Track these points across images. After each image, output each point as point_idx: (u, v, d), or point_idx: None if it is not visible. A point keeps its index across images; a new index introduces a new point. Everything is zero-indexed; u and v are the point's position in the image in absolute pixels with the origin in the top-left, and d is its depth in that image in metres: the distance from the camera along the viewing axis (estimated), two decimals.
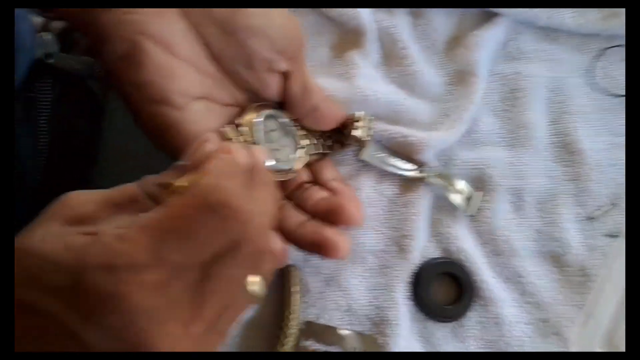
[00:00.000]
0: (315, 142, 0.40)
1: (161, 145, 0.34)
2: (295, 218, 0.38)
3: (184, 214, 0.25)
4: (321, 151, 0.41)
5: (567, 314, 0.41)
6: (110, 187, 0.43)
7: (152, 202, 0.27)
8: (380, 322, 0.40)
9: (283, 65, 0.35)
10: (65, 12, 0.33)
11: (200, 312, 0.25)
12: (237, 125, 0.36)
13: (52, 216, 0.27)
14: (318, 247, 0.36)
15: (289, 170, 0.38)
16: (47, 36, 0.47)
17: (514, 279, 0.41)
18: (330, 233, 0.36)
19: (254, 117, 0.36)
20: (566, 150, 0.43)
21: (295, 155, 0.38)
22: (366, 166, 0.43)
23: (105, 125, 0.48)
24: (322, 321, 0.41)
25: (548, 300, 0.41)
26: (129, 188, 0.28)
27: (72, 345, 0.24)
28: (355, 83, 0.42)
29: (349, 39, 0.45)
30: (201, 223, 0.25)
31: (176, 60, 0.32)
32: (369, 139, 0.40)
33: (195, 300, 0.25)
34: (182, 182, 0.27)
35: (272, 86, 0.36)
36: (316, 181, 0.40)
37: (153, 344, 0.23)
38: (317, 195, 0.38)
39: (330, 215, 0.37)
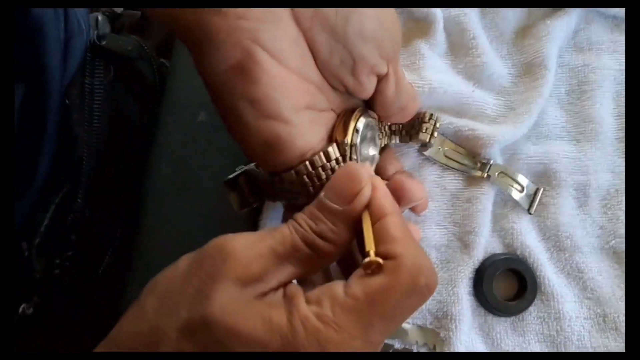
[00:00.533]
0: (383, 133, 0.39)
1: (262, 158, 0.33)
2: None
3: (393, 297, 0.26)
4: (387, 142, 0.40)
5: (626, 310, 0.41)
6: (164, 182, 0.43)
7: (310, 250, 0.28)
8: (443, 317, 0.41)
9: (385, 69, 0.34)
10: (163, 13, 0.30)
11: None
12: (338, 143, 0.34)
13: (223, 275, 0.26)
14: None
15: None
16: (99, 17, 0.45)
17: (576, 275, 0.42)
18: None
19: (353, 131, 0.34)
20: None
21: (377, 151, 0.38)
22: (429, 160, 0.42)
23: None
24: None
25: (608, 296, 0.41)
26: (287, 236, 0.28)
27: None
28: (423, 74, 0.41)
29: (416, 27, 0.43)
30: (409, 304, 0.26)
31: (287, 72, 0.30)
32: (435, 137, 0.40)
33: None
34: (375, 259, 0.27)
35: (369, 88, 0.34)
36: (379, 172, 0.40)
37: None
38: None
39: (394, 194, 0.34)
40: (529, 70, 0.43)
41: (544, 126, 0.43)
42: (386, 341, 0.41)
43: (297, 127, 0.31)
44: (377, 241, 0.28)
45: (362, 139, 0.35)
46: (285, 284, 0.28)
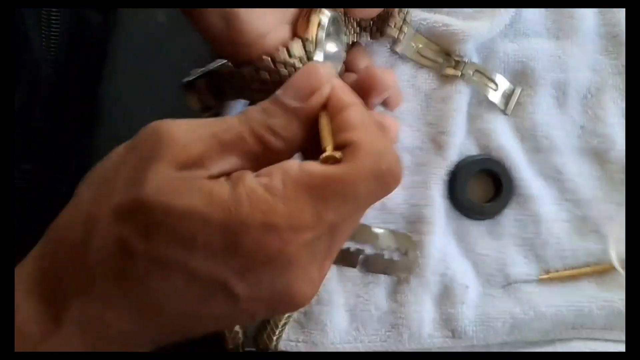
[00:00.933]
0: (352, 30, 0.37)
1: (221, 40, 0.32)
2: None
3: (351, 180, 0.24)
4: (356, 40, 0.38)
5: (607, 212, 0.40)
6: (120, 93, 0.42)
7: (259, 143, 0.26)
8: (416, 220, 0.39)
9: None
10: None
11: (332, 254, 0.26)
12: (301, 38, 0.32)
13: (159, 157, 0.24)
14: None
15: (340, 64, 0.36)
16: None
17: (554, 176, 0.40)
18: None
19: (317, 27, 0.33)
20: (614, 42, 0.41)
21: (341, 49, 0.36)
22: (401, 59, 0.40)
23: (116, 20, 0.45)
24: None
25: (588, 197, 0.40)
26: (234, 125, 0.26)
27: (222, 297, 0.24)
28: None
29: None
30: (367, 189, 0.25)
31: None
32: (404, 33, 0.38)
33: (331, 247, 0.25)
34: (332, 153, 0.25)
35: None
36: (349, 69, 0.38)
37: (299, 290, 0.25)
38: (351, 78, 0.36)
39: (364, 84, 0.33)
40: None
41: (522, 23, 0.41)
42: (357, 246, 0.39)
43: (256, 10, 0.30)
44: (335, 134, 0.26)
45: (327, 35, 0.33)
46: (227, 174, 0.26)
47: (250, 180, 0.24)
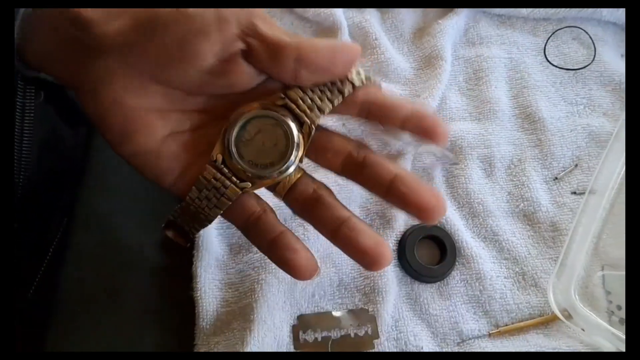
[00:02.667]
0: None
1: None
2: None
3: None
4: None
5: (542, 267, 0.44)
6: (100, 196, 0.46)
7: None
8: (371, 292, 0.43)
9: (239, 44, 0.31)
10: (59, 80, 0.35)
11: None
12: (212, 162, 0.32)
13: None
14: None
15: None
16: None
17: (491, 238, 0.45)
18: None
19: (222, 145, 0.31)
20: (528, 120, 0.48)
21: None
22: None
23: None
24: (316, 298, 0.43)
25: (523, 255, 0.44)
26: None
27: None
28: None
29: (325, 36, 0.49)
30: None
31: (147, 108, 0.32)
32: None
33: None
34: None
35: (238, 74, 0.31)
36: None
37: None
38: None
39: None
40: (428, 62, 0.48)
41: (447, 110, 0.48)
42: (323, 334, 0.42)
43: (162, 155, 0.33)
44: None
45: (245, 145, 0.32)
46: None
47: None
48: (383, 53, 0.48)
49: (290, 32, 0.31)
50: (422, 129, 0.31)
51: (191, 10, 0.31)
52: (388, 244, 0.36)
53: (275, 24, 0.32)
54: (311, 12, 0.49)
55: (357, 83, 0.31)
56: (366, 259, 0.32)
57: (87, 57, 0.33)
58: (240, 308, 0.41)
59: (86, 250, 0.46)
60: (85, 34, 0.32)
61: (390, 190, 0.32)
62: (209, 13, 0.31)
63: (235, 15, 0.32)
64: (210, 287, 0.41)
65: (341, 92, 0.31)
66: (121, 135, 0.32)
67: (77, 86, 0.33)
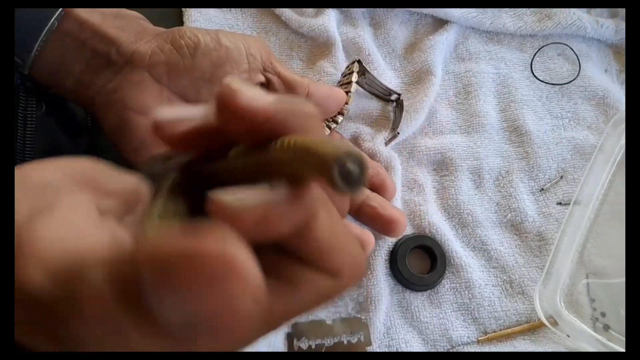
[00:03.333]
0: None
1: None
2: None
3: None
4: None
5: (529, 275, 0.45)
6: None
7: None
8: (364, 301, 0.44)
9: (260, 77, 0.40)
10: (65, 92, 0.39)
11: None
12: None
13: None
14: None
15: None
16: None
17: (480, 247, 0.46)
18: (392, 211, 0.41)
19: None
20: (516, 133, 0.49)
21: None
22: None
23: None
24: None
25: (511, 264, 0.46)
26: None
27: None
28: None
29: (319, 51, 0.51)
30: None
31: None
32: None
33: None
34: None
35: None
36: None
37: None
38: None
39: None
40: (418, 78, 0.50)
41: (437, 124, 0.49)
42: (316, 342, 0.44)
43: None
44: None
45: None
46: None
47: None
48: (376, 69, 0.49)
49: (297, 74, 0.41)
50: None
51: (226, 41, 0.37)
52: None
53: (287, 68, 0.41)
54: (306, 27, 0.50)
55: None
56: (392, 226, 0.41)
57: (115, 71, 0.37)
58: None
59: None
60: (114, 50, 0.36)
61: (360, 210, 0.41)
62: (241, 46, 0.38)
63: (259, 53, 0.39)
64: None
65: (335, 122, 0.44)
66: (142, 142, 0.36)
67: (94, 97, 0.37)
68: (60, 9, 0.37)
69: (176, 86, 0.37)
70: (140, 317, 0.16)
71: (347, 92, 0.45)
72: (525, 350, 0.43)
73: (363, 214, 0.41)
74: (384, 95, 0.49)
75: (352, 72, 0.46)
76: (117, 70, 0.37)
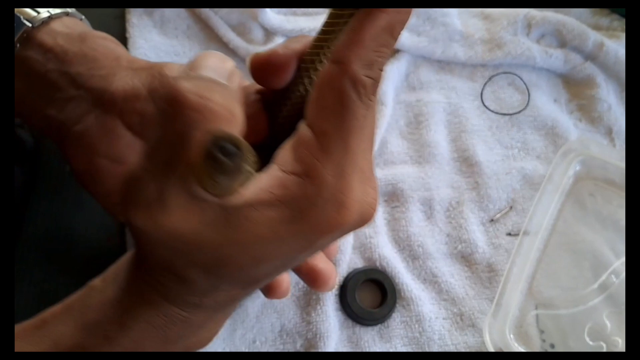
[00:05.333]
0: None
1: None
2: None
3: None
4: None
5: (479, 307, 0.45)
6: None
7: None
8: (313, 337, 0.43)
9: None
10: (37, 129, 0.36)
11: None
12: None
13: None
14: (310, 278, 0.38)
15: None
16: None
17: (431, 279, 0.46)
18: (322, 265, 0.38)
19: None
20: (466, 163, 0.49)
21: None
22: None
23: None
24: (257, 344, 0.43)
25: (462, 295, 0.46)
26: None
27: None
28: None
29: None
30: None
31: (126, 166, 0.33)
32: None
33: None
34: None
35: None
36: None
37: None
38: None
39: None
40: None
41: (388, 154, 0.49)
42: None
43: None
44: None
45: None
46: None
47: None
48: None
49: None
50: None
51: (213, 95, 0.30)
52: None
53: None
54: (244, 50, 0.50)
55: None
56: (319, 281, 0.37)
57: (85, 110, 0.34)
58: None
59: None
60: (82, 88, 0.33)
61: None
62: (227, 96, 0.31)
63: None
64: None
65: None
66: (113, 189, 0.32)
67: (63, 139, 0.34)
68: (23, 30, 0.34)
69: (149, 139, 0.33)
70: None
71: None
72: None
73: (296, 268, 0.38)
74: None
75: None
76: (87, 109, 0.34)
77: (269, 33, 0.51)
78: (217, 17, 0.51)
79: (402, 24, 0.25)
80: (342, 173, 0.25)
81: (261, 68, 0.31)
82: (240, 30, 0.51)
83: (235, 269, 0.27)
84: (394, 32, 0.25)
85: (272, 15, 0.51)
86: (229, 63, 0.31)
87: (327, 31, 0.27)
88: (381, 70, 0.26)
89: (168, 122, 0.31)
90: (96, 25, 0.38)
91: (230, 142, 0.24)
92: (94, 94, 0.33)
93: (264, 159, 0.27)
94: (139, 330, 0.29)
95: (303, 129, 0.26)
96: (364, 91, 0.25)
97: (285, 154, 0.27)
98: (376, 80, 0.25)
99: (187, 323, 0.29)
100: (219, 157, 0.24)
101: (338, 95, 0.25)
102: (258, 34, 0.51)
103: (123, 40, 0.48)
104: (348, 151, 0.25)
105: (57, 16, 0.35)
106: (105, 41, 0.36)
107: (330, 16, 0.27)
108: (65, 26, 0.35)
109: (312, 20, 0.52)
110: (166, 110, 0.32)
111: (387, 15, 0.25)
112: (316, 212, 0.25)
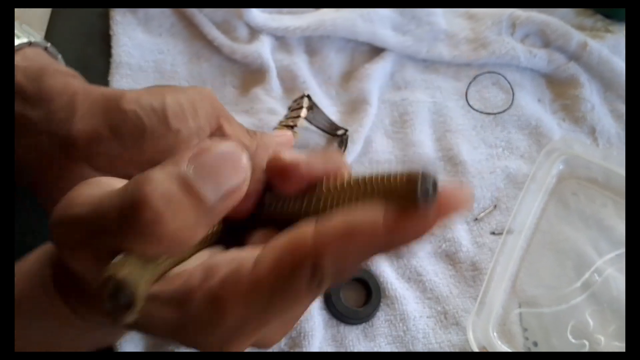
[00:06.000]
0: None
1: None
2: None
3: None
4: None
5: (463, 305, 0.45)
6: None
7: None
8: (297, 336, 0.43)
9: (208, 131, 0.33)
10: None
11: None
12: None
13: None
14: None
15: None
16: None
17: (415, 278, 0.46)
18: None
19: None
20: (451, 162, 0.50)
21: None
22: None
23: None
24: None
25: (446, 294, 0.46)
26: None
27: None
28: (261, 116, 0.47)
29: (252, 78, 0.50)
30: None
31: None
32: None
33: None
34: None
35: None
36: None
37: None
38: None
39: None
40: (354, 107, 0.50)
41: (373, 153, 0.49)
42: None
43: None
44: None
45: None
46: None
47: None
48: (312, 96, 0.49)
49: (250, 131, 0.34)
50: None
51: (174, 120, 0.31)
52: None
53: (236, 123, 0.34)
54: (239, 53, 0.50)
55: None
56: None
57: (54, 162, 0.33)
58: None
59: None
60: (44, 135, 0.32)
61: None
62: (190, 123, 0.32)
63: (207, 119, 0.33)
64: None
65: None
66: None
67: (36, 182, 0.34)
68: None
69: (120, 174, 0.31)
70: None
71: (293, 126, 0.44)
72: None
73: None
74: (330, 130, 0.48)
75: (302, 107, 0.45)
76: (52, 156, 0.33)
77: (253, 31, 0.51)
78: (202, 14, 0.50)
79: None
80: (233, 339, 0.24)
81: (276, 172, 0.27)
82: (225, 28, 0.51)
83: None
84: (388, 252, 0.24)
85: (257, 14, 0.51)
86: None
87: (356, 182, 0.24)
88: (346, 275, 0.23)
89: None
90: (80, 23, 0.38)
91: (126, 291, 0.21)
92: (56, 140, 0.32)
93: (235, 233, 0.27)
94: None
95: (247, 259, 0.23)
96: (316, 282, 0.22)
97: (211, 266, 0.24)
98: (334, 280, 0.23)
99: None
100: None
101: (293, 265, 0.22)
102: (243, 31, 0.51)
103: (107, 38, 0.48)
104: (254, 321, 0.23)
105: (19, 47, 0.34)
106: (62, 76, 0.34)
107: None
108: (25, 59, 0.34)
109: (297, 19, 0.52)
110: (131, 145, 0.31)
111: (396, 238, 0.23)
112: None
